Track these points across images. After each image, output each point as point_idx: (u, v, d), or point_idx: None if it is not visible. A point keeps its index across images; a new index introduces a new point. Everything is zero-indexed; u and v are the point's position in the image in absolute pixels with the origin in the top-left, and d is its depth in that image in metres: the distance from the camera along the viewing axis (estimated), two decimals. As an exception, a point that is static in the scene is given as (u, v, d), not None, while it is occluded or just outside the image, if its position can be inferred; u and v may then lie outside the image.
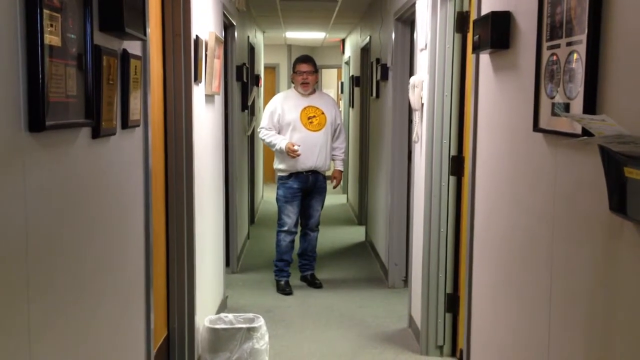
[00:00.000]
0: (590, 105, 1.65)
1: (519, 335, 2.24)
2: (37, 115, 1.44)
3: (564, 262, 1.85)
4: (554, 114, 1.88)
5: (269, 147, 5.28)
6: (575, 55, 1.72)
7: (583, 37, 1.67)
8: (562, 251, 1.87)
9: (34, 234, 1.49)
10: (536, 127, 2.01)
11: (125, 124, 2.15)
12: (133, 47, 2.23)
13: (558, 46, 1.84)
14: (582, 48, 1.68)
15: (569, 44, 1.77)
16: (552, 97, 1.89)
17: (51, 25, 1.50)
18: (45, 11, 1.46)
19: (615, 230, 1.54)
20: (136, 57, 2.23)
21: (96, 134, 1.87)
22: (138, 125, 2.33)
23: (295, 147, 4.96)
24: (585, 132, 1.62)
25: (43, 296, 1.55)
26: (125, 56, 2.11)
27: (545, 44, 1.94)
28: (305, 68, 5.18)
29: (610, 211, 1.49)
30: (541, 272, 2.01)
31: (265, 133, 5.12)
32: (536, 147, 2.05)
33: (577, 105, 1.71)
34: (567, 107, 1.78)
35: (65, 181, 1.68)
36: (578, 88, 1.71)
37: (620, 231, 1.51)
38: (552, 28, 1.89)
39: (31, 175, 1.47)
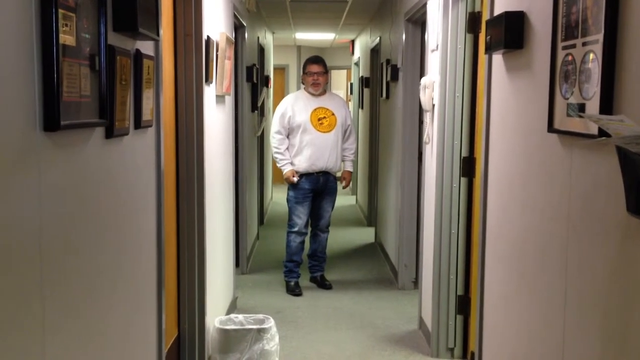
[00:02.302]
0: (607, 105, 1.63)
1: (532, 338, 2.22)
2: (52, 115, 1.44)
3: (579, 264, 1.84)
4: (569, 114, 1.87)
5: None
6: (591, 55, 1.71)
7: (599, 37, 1.66)
8: (577, 253, 1.85)
9: (48, 233, 1.49)
10: (551, 128, 1.99)
11: (138, 124, 2.15)
12: (146, 47, 2.23)
13: (573, 46, 1.83)
14: (598, 48, 1.66)
15: (584, 44, 1.75)
16: (567, 98, 1.88)
17: (66, 25, 1.50)
18: (61, 11, 1.46)
19: (632, 231, 1.52)
20: (149, 57, 2.24)
21: (109, 134, 1.87)
22: (150, 126, 2.33)
23: (294, 179, 5.03)
24: (602, 133, 1.60)
25: (57, 295, 1.55)
26: (139, 56, 2.11)
27: (560, 44, 1.93)
28: (316, 69, 5.18)
29: (627, 212, 1.47)
30: (556, 274, 2.00)
31: (277, 145, 5.09)
32: (551, 147, 2.04)
33: (593, 106, 1.69)
34: (582, 108, 1.77)
35: (79, 181, 1.68)
36: (594, 88, 1.69)
37: (638, 233, 1.50)
38: (568, 28, 1.87)
39: (46, 175, 1.47)
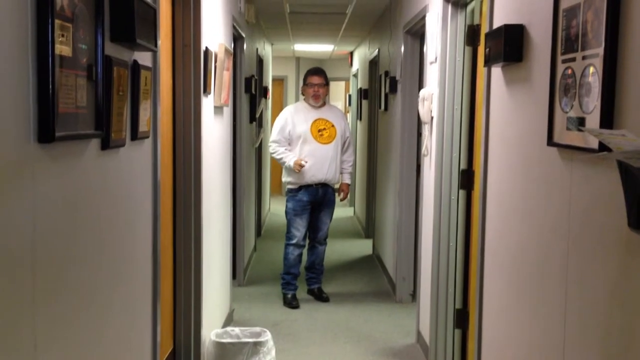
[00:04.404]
0: (607, 120, 1.62)
1: (531, 353, 2.20)
2: (47, 126, 1.42)
3: (579, 279, 1.82)
4: (568, 128, 1.86)
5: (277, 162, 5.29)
6: (591, 69, 1.70)
7: (600, 51, 1.64)
8: (577, 268, 1.83)
9: (41, 246, 1.47)
10: (550, 142, 1.98)
11: (135, 136, 2.14)
12: (143, 58, 2.21)
13: (573, 59, 1.82)
14: (598, 62, 1.65)
15: (584, 57, 1.74)
16: (567, 112, 1.87)
17: (62, 35, 1.49)
18: (57, 21, 1.45)
19: (634, 247, 1.50)
20: (146, 68, 2.22)
21: (105, 145, 1.85)
22: (147, 137, 2.31)
23: (303, 163, 4.96)
24: (603, 147, 1.59)
25: (49, 308, 1.53)
26: (136, 67, 2.10)
27: (559, 57, 1.92)
28: (317, 80, 5.18)
29: (628, 228, 1.45)
30: (555, 289, 1.98)
31: (275, 149, 5.11)
32: (550, 161, 2.02)
33: (593, 120, 1.68)
34: (582, 122, 1.76)
35: (74, 193, 1.66)
36: (594, 102, 1.68)
37: (639, 248, 1.48)
38: (567, 41, 1.87)
39: (40, 186, 1.45)
